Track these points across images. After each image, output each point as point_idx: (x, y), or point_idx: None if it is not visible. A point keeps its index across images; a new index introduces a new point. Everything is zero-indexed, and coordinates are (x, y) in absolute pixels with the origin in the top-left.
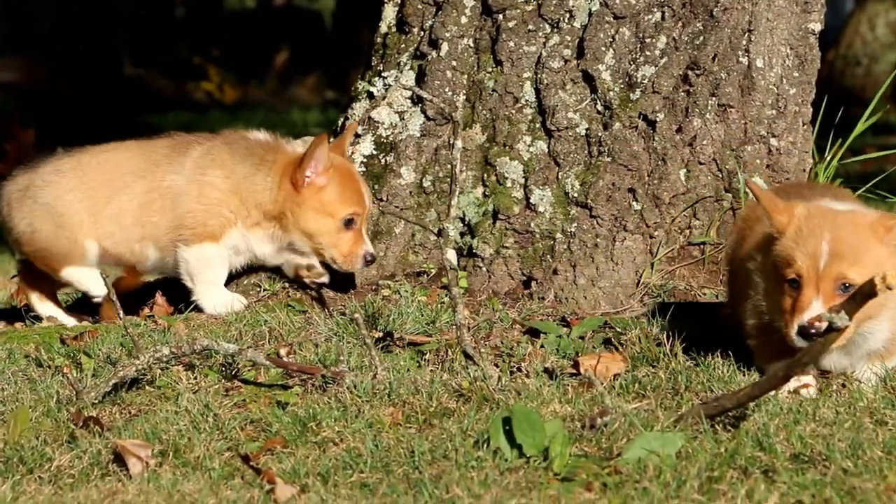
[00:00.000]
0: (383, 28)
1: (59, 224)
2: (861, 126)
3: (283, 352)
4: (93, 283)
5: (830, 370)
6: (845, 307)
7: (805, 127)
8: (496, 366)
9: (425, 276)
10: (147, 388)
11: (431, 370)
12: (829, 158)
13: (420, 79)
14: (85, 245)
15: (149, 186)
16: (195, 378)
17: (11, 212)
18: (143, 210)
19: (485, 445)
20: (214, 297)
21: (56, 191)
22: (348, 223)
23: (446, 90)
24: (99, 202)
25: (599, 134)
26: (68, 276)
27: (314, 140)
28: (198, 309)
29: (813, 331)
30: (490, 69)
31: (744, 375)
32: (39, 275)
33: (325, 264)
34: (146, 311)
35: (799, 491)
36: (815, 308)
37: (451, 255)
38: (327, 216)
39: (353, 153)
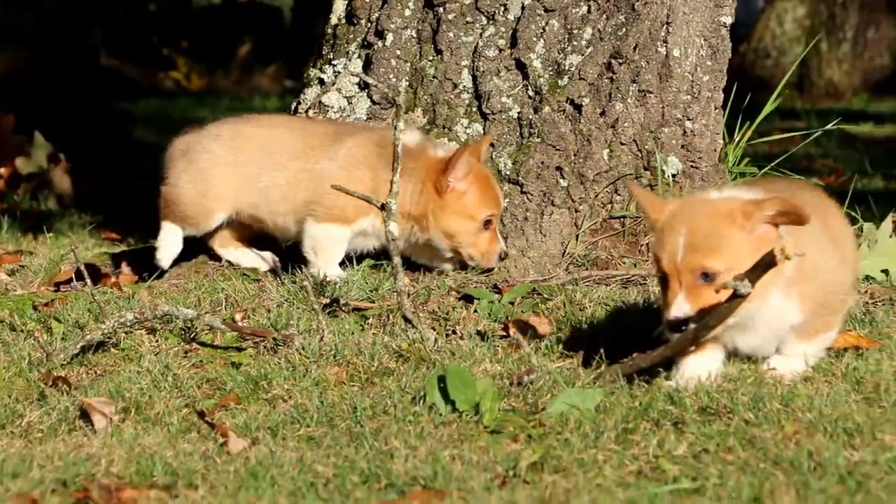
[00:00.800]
0: (333, 20)
1: (202, 193)
2: (767, 110)
3: (237, 317)
4: (171, 250)
5: (748, 353)
6: (748, 275)
7: (717, 111)
8: (433, 329)
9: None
10: (112, 350)
11: (374, 333)
12: (738, 140)
13: (367, 66)
14: (213, 217)
15: (302, 167)
16: (156, 341)
17: (169, 164)
18: (292, 187)
19: (421, 401)
20: (330, 274)
21: (212, 161)
22: (486, 224)
23: (391, 77)
24: (251, 177)
25: (530, 117)
26: (164, 230)
27: (457, 150)
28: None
29: (682, 326)
30: (431, 58)
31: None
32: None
33: (459, 261)
34: (112, 279)
35: (705, 440)
36: (678, 304)
37: (393, 227)
38: (468, 218)
39: None
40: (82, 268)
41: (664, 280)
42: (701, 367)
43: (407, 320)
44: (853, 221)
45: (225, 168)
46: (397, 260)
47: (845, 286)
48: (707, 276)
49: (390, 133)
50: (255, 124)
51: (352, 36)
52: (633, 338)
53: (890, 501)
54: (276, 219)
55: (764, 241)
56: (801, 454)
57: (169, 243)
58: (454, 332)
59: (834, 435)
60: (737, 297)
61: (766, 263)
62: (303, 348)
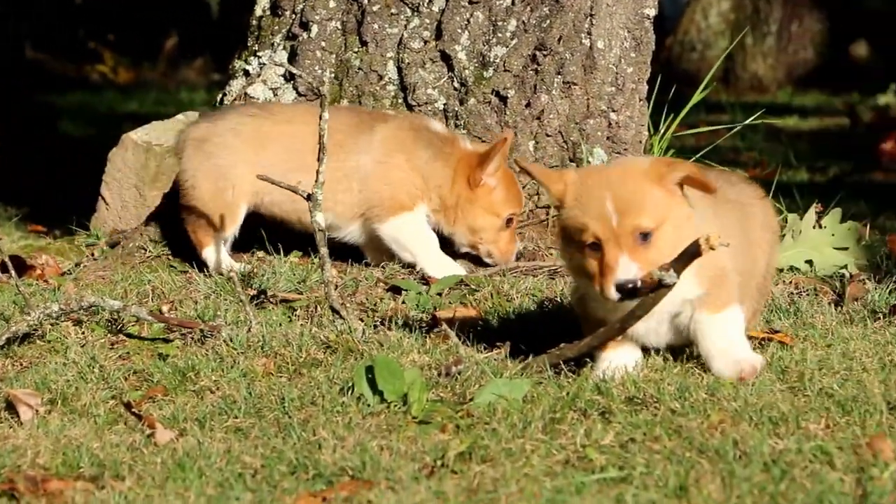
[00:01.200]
0: (258, 11)
1: (222, 189)
2: (692, 102)
3: (164, 308)
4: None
5: (649, 344)
6: (674, 265)
7: (641, 103)
8: (361, 320)
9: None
10: (38, 342)
11: (301, 324)
12: (663, 132)
13: (292, 58)
14: (238, 211)
15: (333, 167)
16: (83, 333)
17: (184, 158)
18: (327, 188)
19: (349, 392)
20: (436, 263)
21: (232, 157)
22: (508, 222)
23: (316, 68)
24: (275, 176)
25: (456, 108)
26: (206, 253)
27: (496, 144)
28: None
29: (630, 286)
30: (356, 49)
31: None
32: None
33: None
34: (38, 271)
35: (632, 430)
36: (623, 264)
37: (319, 217)
38: (494, 215)
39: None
40: (7, 260)
41: (595, 247)
42: (625, 358)
43: (335, 311)
44: (778, 213)
45: (244, 167)
46: (324, 251)
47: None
48: (645, 236)
49: (421, 119)
50: (276, 121)
51: (276, 27)
52: (560, 328)
53: (814, 489)
54: (302, 215)
55: (675, 195)
56: (727, 443)
57: (217, 260)
58: (382, 322)
59: (759, 424)
60: (663, 287)
61: (692, 253)
62: (230, 340)
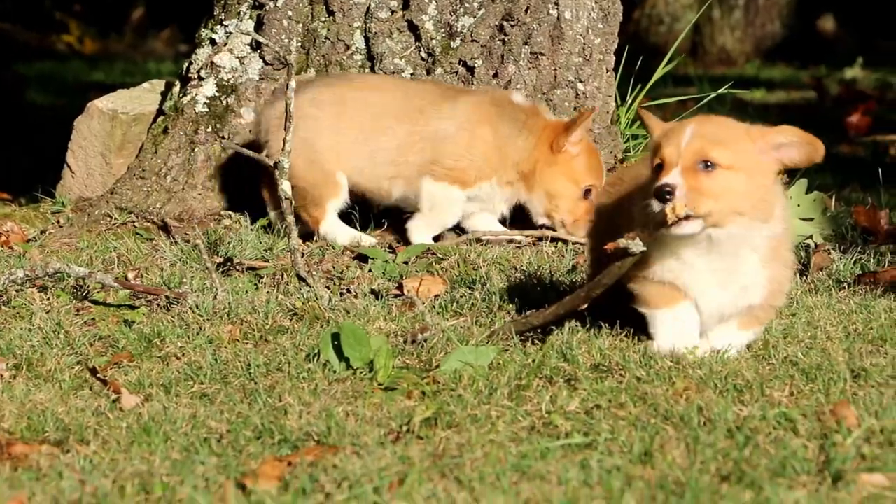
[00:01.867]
0: None
1: (313, 160)
2: (659, 73)
3: (130, 276)
4: (342, 233)
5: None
6: (640, 234)
7: (608, 73)
8: (327, 288)
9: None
10: (3, 308)
11: (268, 292)
12: (630, 103)
13: (258, 27)
14: (336, 178)
15: (411, 130)
16: (48, 299)
17: (270, 139)
18: (401, 151)
19: (315, 359)
20: (426, 234)
21: (315, 126)
22: (587, 193)
23: (282, 37)
24: (356, 141)
25: (423, 78)
26: (325, 228)
27: (583, 112)
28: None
29: (668, 190)
30: (323, 18)
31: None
32: None
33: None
34: (3, 238)
35: (598, 396)
36: (673, 174)
37: (286, 185)
38: (573, 182)
39: (195, 94)
40: None
41: (658, 170)
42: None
43: (301, 279)
44: None
45: (328, 133)
46: (291, 219)
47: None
48: (707, 165)
49: (503, 93)
50: (355, 87)
51: None
52: (526, 297)
53: (777, 455)
54: (382, 182)
55: (765, 167)
56: (692, 410)
57: (338, 232)
58: (348, 290)
59: (724, 391)
60: (628, 256)
61: (658, 222)
62: (196, 307)
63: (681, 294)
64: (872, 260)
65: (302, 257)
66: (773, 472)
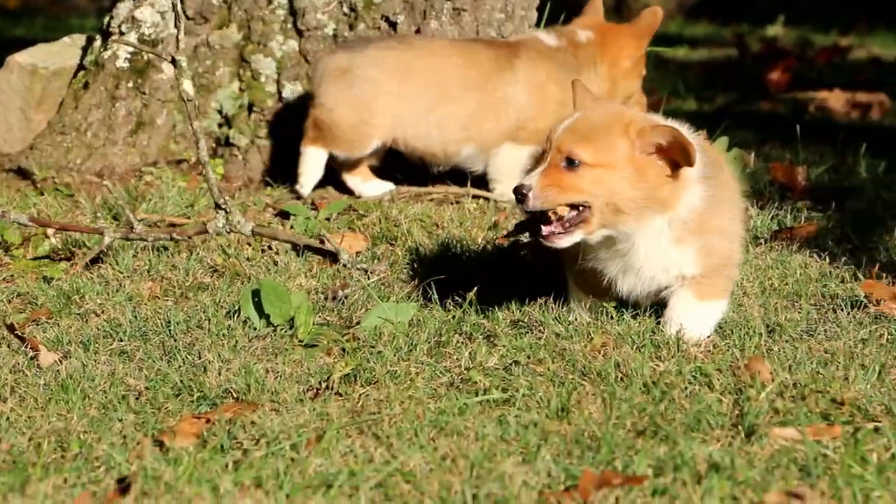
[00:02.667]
0: None
1: (364, 120)
2: None
3: (50, 232)
4: (313, 176)
5: (626, 297)
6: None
7: (530, 29)
8: (248, 244)
9: (185, 163)
10: None
11: (189, 248)
12: None
13: None
14: (371, 143)
15: (481, 98)
16: None
17: (323, 84)
18: (473, 119)
19: (236, 316)
20: (508, 195)
21: (374, 89)
22: None
23: None
24: (422, 109)
25: (346, 34)
26: (307, 155)
27: (649, 18)
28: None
29: (521, 192)
30: None
31: (477, 251)
32: None
33: None
34: None
35: (516, 353)
36: (531, 175)
37: (187, 85)
38: (640, 77)
39: (117, 49)
40: None
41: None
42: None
43: (218, 207)
44: None
45: (387, 98)
46: (198, 125)
47: (741, 252)
48: (571, 163)
49: (533, 39)
50: (419, 54)
51: None
52: (447, 254)
53: (692, 409)
54: (449, 147)
55: (647, 167)
56: (609, 365)
57: (312, 169)
58: (270, 247)
59: (641, 347)
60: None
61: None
62: (116, 263)
63: (602, 281)
64: (789, 216)
65: (218, 189)
66: (687, 426)
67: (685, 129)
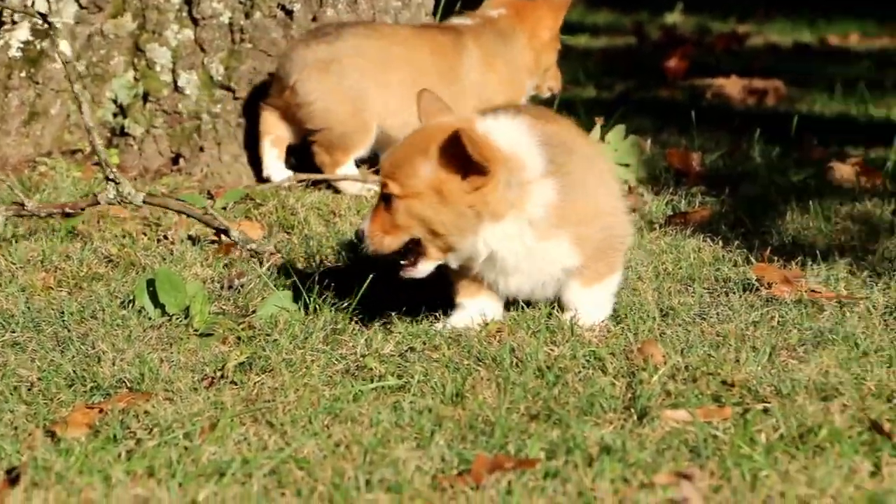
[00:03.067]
0: None
1: (360, 109)
2: None
3: None
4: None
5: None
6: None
7: (427, 17)
8: (144, 234)
9: (80, 153)
10: None
11: (83, 238)
12: None
13: None
14: (373, 129)
15: (452, 88)
16: None
17: (305, 81)
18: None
19: (130, 306)
20: None
21: (363, 79)
22: None
23: None
24: (403, 98)
25: (241, 23)
26: (345, 169)
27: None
28: None
29: (360, 239)
30: None
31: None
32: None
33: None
34: None
35: (412, 339)
36: (365, 219)
37: (65, 45)
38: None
39: (8, 39)
40: None
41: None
42: (476, 311)
43: (108, 179)
44: None
45: (376, 87)
46: (78, 88)
47: (625, 227)
48: (387, 198)
49: (481, 14)
50: (394, 42)
51: None
52: (344, 241)
53: (585, 393)
54: None
55: (447, 184)
56: (504, 350)
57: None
58: (165, 237)
59: (536, 332)
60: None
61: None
62: (9, 254)
63: (482, 286)
64: (683, 201)
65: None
66: (580, 409)
67: (498, 122)
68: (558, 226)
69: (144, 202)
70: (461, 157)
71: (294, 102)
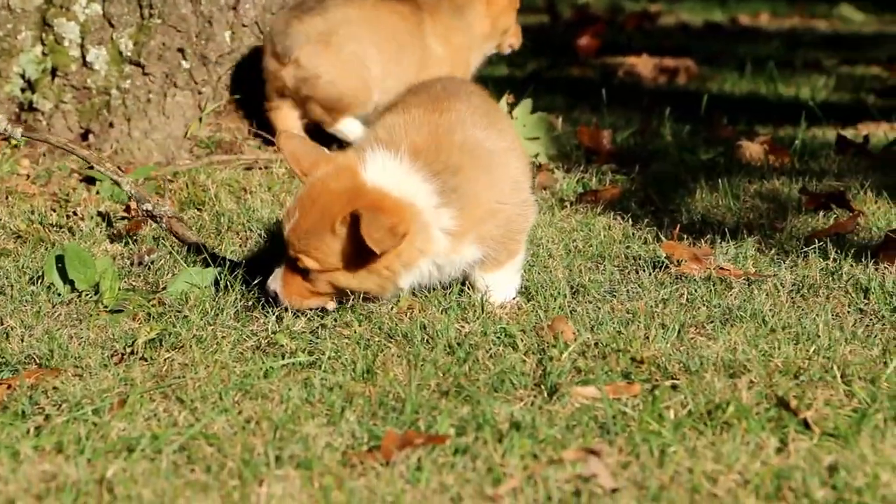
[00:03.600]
0: None
1: (363, 77)
2: None
3: None
4: (356, 131)
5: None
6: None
7: None
8: (53, 210)
9: None
10: None
11: None
12: None
13: None
14: (373, 97)
15: (420, 52)
16: None
17: (310, 56)
18: (418, 73)
19: (39, 282)
20: None
21: (362, 45)
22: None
23: None
24: (388, 63)
25: None
26: (342, 126)
27: None
28: None
29: (272, 296)
30: None
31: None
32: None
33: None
34: None
35: (323, 316)
36: (275, 276)
37: None
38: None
39: None
40: None
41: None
42: None
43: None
44: None
45: (373, 49)
46: None
47: (526, 206)
48: (304, 270)
49: None
50: (371, 11)
51: None
52: (254, 218)
53: (496, 369)
54: None
55: (360, 254)
56: (415, 327)
57: (354, 131)
58: (75, 213)
59: (447, 309)
60: None
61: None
62: None
63: None
64: (594, 179)
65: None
66: (491, 386)
67: (383, 167)
68: (460, 239)
69: (22, 135)
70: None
71: (299, 76)
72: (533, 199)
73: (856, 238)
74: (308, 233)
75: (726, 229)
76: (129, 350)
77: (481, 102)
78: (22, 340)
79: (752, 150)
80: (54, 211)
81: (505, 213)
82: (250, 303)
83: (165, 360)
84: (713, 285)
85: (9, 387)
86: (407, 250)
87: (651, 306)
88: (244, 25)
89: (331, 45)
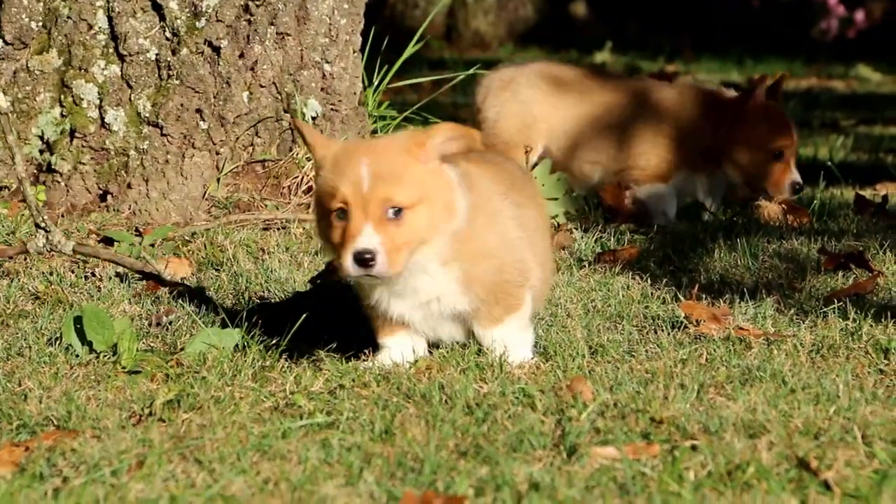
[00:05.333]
0: None
1: (527, 124)
2: (407, 53)
3: None
4: None
5: (444, 339)
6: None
7: (355, 54)
8: (71, 271)
9: (6, 190)
10: None
11: (10, 276)
12: (377, 84)
13: None
14: (536, 147)
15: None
16: None
17: (487, 97)
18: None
19: (57, 343)
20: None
21: (536, 94)
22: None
23: (23, 17)
24: (567, 123)
25: (168, 59)
26: None
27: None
28: None
29: (368, 257)
30: None
31: (303, 276)
32: None
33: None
34: None
35: (341, 376)
36: (366, 233)
37: (1, 99)
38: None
39: None
40: None
41: (342, 214)
42: (398, 348)
43: (38, 226)
44: None
45: (547, 104)
46: (13, 139)
47: (523, 264)
48: (397, 212)
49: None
50: (573, 80)
51: None
52: (273, 279)
53: (514, 429)
54: (584, 168)
55: (433, 174)
56: (433, 387)
57: None
58: (93, 274)
59: (466, 369)
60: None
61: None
62: None
63: (399, 325)
64: (613, 238)
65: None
66: (509, 446)
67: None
68: (453, 258)
69: (74, 251)
70: (462, 146)
71: (480, 119)
72: (532, 259)
73: (875, 298)
74: (395, 166)
75: (745, 289)
76: (147, 411)
77: (515, 168)
78: (40, 402)
79: (771, 209)
80: (72, 272)
81: (496, 262)
82: (268, 363)
83: (183, 420)
84: (732, 345)
85: (27, 448)
86: (443, 198)
87: (670, 366)
88: (262, 86)
89: (506, 90)
